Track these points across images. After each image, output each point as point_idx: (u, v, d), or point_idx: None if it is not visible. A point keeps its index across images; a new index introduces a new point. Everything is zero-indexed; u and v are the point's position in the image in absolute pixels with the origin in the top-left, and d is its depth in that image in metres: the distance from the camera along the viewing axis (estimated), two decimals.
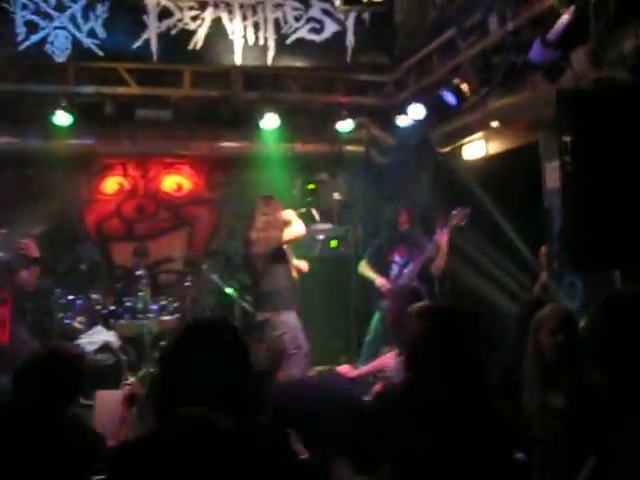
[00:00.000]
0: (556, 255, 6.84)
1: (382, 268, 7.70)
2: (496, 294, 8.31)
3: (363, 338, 7.93)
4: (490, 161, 8.26)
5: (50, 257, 7.42)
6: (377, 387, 5.18)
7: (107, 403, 6.14)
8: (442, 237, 7.41)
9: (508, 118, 7.15)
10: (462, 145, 8.51)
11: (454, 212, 7.49)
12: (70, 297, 8.60)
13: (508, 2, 6.39)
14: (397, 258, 7.68)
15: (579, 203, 5.12)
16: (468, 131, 7.98)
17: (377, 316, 7.64)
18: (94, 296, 8.67)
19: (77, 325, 8.40)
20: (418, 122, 8.18)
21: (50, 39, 7.66)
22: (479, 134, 8.00)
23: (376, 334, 7.46)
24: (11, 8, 7.57)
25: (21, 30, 7.62)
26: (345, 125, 9.09)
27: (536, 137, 7.10)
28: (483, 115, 7.32)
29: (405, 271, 7.57)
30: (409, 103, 8.03)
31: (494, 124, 7.28)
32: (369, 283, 7.86)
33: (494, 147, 8.11)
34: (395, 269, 7.65)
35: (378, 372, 5.76)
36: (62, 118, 8.41)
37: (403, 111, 8.16)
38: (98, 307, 8.58)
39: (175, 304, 8.87)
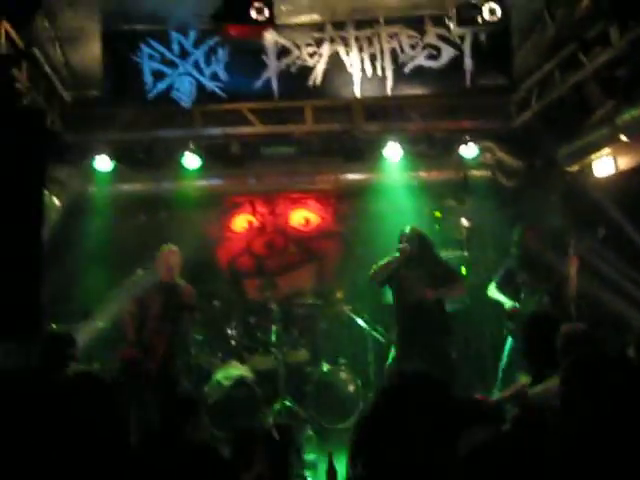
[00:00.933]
0: None
1: (512, 291, 7.52)
2: (636, 316, 7.95)
3: (498, 365, 7.75)
4: (621, 177, 7.94)
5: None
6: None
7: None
8: (572, 263, 7.20)
9: (638, 131, 6.87)
10: (591, 162, 8.23)
11: (589, 234, 7.27)
12: (205, 333, 8.83)
13: (630, 11, 6.17)
14: (526, 280, 7.48)
15: None
16: (596, 147, 7.71)
17: (510, 341, 7.45)
18: (228, 331, 8.86)
19: (212, 360, 8.60)
20: (544, 141, 7.99)
21: (176, 86, 7.96)
22: (608, 150, 7.72)
23: (510, 359, 7.27)
24: (139, 59, 7.93)
25: (149, 79, 7.96)
26: (469, 150, 8.98)
27: None
28: (611, 130, 7.06)
29: (535, 295, 7.37)
30: (532, 123, 7.86)
31: (623, 138, 7.01)
32: (500, 307, 7.69)
33: (624, 162, 7.80)
34: (525, 292, 7.46)
35: (514, 399, 5.59)
36: (191, 160, 8.72)
37: (526, 131, 8.01)
38: (232, 342, 8.77)
39: (307, 337, 8.93)
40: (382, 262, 7.60)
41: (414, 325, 7.40)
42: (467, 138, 8.89)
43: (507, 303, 7.46)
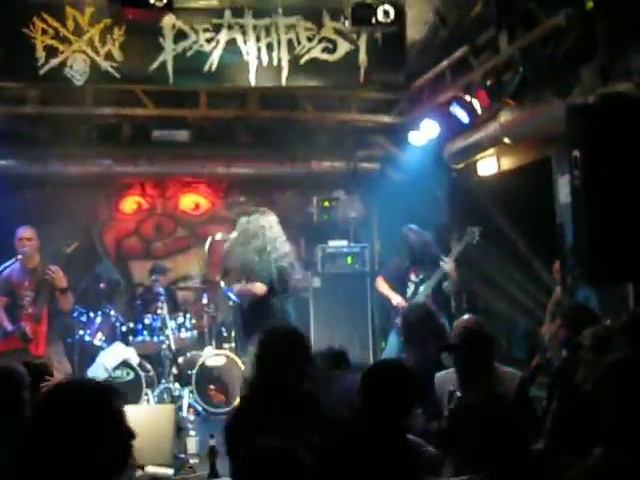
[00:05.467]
0: (569, 270, 6.87)
1: (399, 286, 7.74)
2: (511, 310, 8.35)
3: (380, 354, 7.97)
4: (503, 177, 8.32)
5: (70, 276, 7.53)
6: None
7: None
8: (448, 264, 7.48)
9: (520, 134, 7.21)
10: (476, 161, 8.57)
11: (467, 231, 7.56)
12: (90, 314, 8.73)
13: (518, 20, 6.47)
14: (413, 277, 7.71)
15: (589, 217, 5.15)
16: (481, 147, 8.03)
17: (394, 333, 7.67)
18: (113, 313, 8.79)
19: (97, 342, 8.52)
20: (432, 139, 8.25)
21: (69, 63, 7.80)
22: (491, 150, 8.06)
23: (392, 350, 7.49)
24: (32, 33, 7.73)
25: (41, 55, 7.76)
26: (360, 143, 9.19)
27: (548, 152, 7.15)
28: (495, 131, 7.38)
29: (421, 288, 7.61)
30: (423, 120, 8.10)
31: (506, 140, 7.33)
32: (386, 300, 7.90)
33: (507, 163, 8.17)
34: (412, 287, 7.69)
35: None
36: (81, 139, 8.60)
37: (417, 128, 8.24)
38: (117, 324, 8.71)
39: (193, 321, 8.95)
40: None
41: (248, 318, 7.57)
42: (358, 131, 9.09)
43: (394, 298, 7.67)
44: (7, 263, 7.39)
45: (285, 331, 4.12)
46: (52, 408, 2.25)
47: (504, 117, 7.08)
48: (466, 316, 5.11)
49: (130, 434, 2.30)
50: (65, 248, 7.45)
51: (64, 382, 2.78)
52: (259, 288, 7.42)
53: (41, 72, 7.76)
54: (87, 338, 8.57)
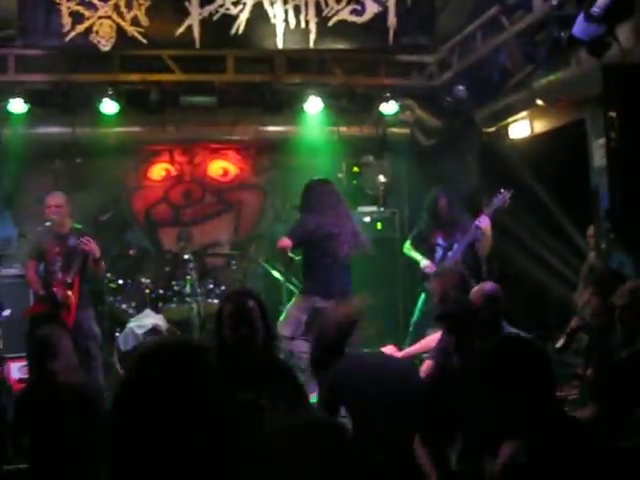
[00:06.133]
0: (604, 235, 6.75)
1: (426, 250, 7.67)
2: (544, 275, 8.24)
3: (410, 320, 7.93)
4: (536, 140, 8.16)
5: (100, 243, 7.53)
6: (424, 366, 5.22)
7: None
8: (484, 222, 7.30)
9: (554, 96, 7.05)
10: (508, 125, 8.42)
11: (498, 194, 7.39)
12: (120, 282, 8.77)
13: None
14: (441, 241, 7.63)
15: (626, 180, 5.05)
16: (513, 110, 7.88)
17: (423, 298, 7.61)
18: (143, 280, 8.83)
19: (126, 309, 8.56)
20: (463, 102, 8.11)
21: (95, 29, 7.73)
22: (524, 113, 7.90)
23: (422, 315, 7.45)
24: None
25: (67, 21, 7.69)
26: (389, 107, 9.05)
27: (583, 114, 7.01)
28: (528, 93, 7.23)
29: (449, 254, 7.52)
30: (453, 83, 7.96)
31: (539, 102, 7.18)
32: (415, 265, 7.83)
33: (540, 126, 8.01)
34: (439, 252, 7.61)
35: (423, 353, 5.79)
36: (109, 106, 8.53)
37: (448, 91, 8.10)
38: (147, 291, 8.74)
39: (222, 288, 8.95)
40: None
41: None
42: (387, 95, 8.95)
43: (422, 261, 7.61)
44: (38, 229, 7.39)
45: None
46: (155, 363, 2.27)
47: (537, 79, 6.94)
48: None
49: None
50: (100, 216, 7.43)
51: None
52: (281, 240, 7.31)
53: (67, 39, 7.69)
54: (117, 305, 8.63)
